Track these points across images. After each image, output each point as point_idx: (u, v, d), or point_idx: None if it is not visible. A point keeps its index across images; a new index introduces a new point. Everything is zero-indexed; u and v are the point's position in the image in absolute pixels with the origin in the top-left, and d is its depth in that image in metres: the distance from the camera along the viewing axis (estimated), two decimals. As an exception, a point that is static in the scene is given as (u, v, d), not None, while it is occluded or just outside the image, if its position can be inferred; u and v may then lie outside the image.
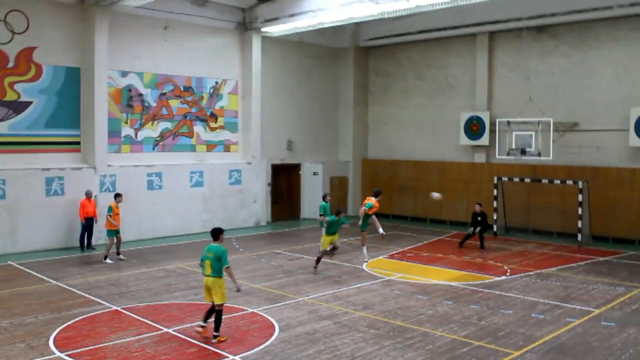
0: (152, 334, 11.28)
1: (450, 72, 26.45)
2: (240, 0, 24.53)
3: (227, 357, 10.06)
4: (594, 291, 14.74)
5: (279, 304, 13.29)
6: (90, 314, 12.54)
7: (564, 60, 23.09)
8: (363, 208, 17.93)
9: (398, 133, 28.39)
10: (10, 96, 19.20)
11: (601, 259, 18.89)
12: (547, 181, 22.18)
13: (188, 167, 23.17)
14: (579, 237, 21.14)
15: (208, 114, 24.19)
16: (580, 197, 21.00)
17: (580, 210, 21.04)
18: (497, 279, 16.00)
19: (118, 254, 18.15)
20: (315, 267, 16.46)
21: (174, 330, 11.45)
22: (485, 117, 24.53)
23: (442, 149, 26.67)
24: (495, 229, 23.17)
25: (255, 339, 10.99)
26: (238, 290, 11.28)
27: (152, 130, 22.48)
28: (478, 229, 20.15)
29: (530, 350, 10.52)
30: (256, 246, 20.57)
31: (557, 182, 21.86)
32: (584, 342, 10.98)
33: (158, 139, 22.68)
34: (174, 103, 23.11)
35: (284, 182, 27.18)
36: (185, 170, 23.04)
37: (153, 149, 22.54)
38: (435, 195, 19.86)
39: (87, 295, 13.94)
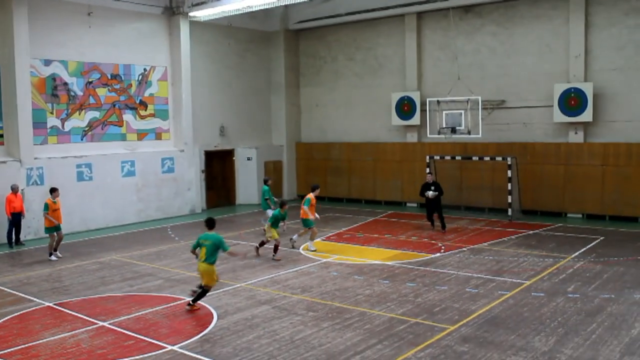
0: (87, 328, 11.04)
1: (380, 53, 26.65)
2: (166, -16, 24.08)
3: (166, 347, 9.95)
4: (524, 264, 15.22)
5: (217, 292, 13.19)
6: (22, 312, 12.17)
7: (490, 38, 23.59)
8: (304, 207, 17.47)
9: (331, 115, 28.48)
10: None
11: (531, 232, 19.51)
12: (477, 158, 22.70)
13: (119, 157, 22.66)
14: (510, 211, 21.77)
15: (137, 101, 23.67)
16: (509, 173, 21.58)
17: (509, 186, 21.63)
18: (432, 256, 16.33)
19: (55, 250, 17.13)
20: (275, 254, 16.29)
21: (109, 324, 11.23)
22: (416, 97, 24.86)
23: (374, 129, 26.91)
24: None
25: (193, 328, 10.91)
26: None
27: (79, 120, 21.85)
28: (434, 193, 19.53)
29: (465, 324, 10.79)
30: (192, 234, 20.28)
31: (487, 159, 22.40)
32: (516, 313, 11.34)
33: (86, 128, 22.07)
34: (102, 91, 22.51)
35: (218, 168, 26.94)
36: (116, 160, 22.52)
37: (82, 140, 21.93)
38: (430, 193, 19.74)
39: (17, 293, 13.51)
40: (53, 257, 16.95)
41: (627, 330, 10.34)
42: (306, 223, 17.43)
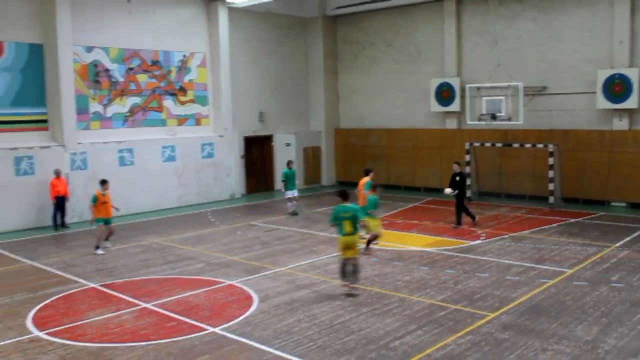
0: (130, 309, 11.26)
1: (418, 39, 26.41)
2: (206, -30, 24.21)
3: (207, 329, 10.09)
4: (566, 252, 15.01)
5: (257, 275, 13.33)
6: (68, 292, 12.47)
7: (530, 23, 23.17)
8: (364, 191, 16.29)
9: (369, 101, 28.37)
10: (-27, 75, 18.80)
11: (572, 220, 19.21)
12: (518, 145, 22.42)
13: (159, 142, 22.95)
14: (551, 199, 21.46)
15: (177, 87, 23.91)
16: (551, 160, 21.27)
17: (551, 173, 21.32)
18: (472, 243, 16.21)
19: (107, 239, 16.47)
20: (367, 248, 14.86)
21: (152, 305, 11.43)
22: (455, 83, 24.60)
23: (413, 116, 26.72)
24: (468, 194, 23.38)
25: (234, 311, 11.03)
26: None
27: (121, 106, 22.17)
28: (451, 191, 18.60)
29: (506, 311, 10.71)
30: (232, 219, 20.55)
31: (528, 146, 22.11)
32: (558, 301, 11.20)
33: (127, 114, 22.39)
34: (142, 78, 22.79)
35: (257, 154, 27.09)
36: (156, 145, 22.82)
37: (123, 125, 22.26)
38: (448, 191, 18.59)
39: (63, 274, 13.84)
40: (99, 251, 15.92)
41: (673, 320, 10.15)
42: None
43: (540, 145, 21.76)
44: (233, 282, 12.87)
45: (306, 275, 13.28)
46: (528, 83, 22.45)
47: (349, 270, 11.87)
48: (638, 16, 20.88)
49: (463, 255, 14.89)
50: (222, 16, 24.56)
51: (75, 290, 12.65)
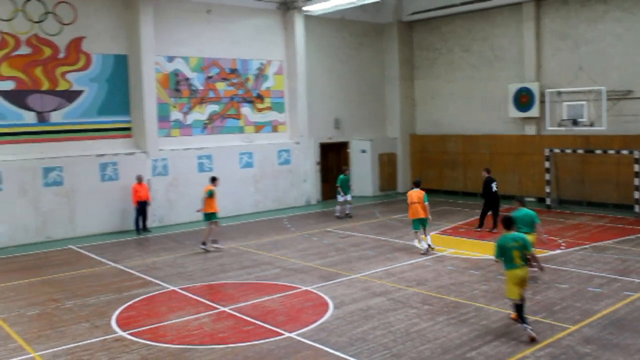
0: (209, 312, 11.54)
1: (496, 43, 25.96)
2: (283, -20, 24.59)
3: (283, 334, 10.23)
4: (652, 263, 14.44)
5: (333, 282, 13.42)
6: (149, 294, 12.89)
7: (615, 25, 22.38)
8: (426, 203, 16.12)
9: (446, 107, 28.07)
10: (62, 86, 19.69)
11: (659, 229, 18.45)
12: (601, 151, 21.71)
13: (237, 149, 23.42)
14: (637, 208, 20.65)
15: (254, 95, 24.35)
16: (636, 167, 20.48)
17: (636, 181, 20.52)
18: (552, 252, 15.78)
19: (215, 241, 17.25)
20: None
21: (230, 309, 11.68)
22: (535, 88, 24.04)
23: (491, 122, 26.26)
24: (548, 202, 22.83)
25: (310, 316, 11.14)
26: (541, 270, 10.84)
27: (200, 114, 22.77)
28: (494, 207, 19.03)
29: (587, 324, 10.39)
30: (307, 225, 20.73)
31: (612, 152, 21.37)
32: (644, 314, 10.79)
33: (206, 121, 22.97)
34: (221, 86, 23.34)
35: (333, 160, 27.23)
36: (234, 151, 23.30)
37: (202, 132, 22.85)
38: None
39: (145, 277, 14.31)
40: (207, 247, 16.80)
41: None
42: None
43: (624, 152, 21.00)
44: (309, 288, 12.99)
45: (381, 283, 13.27)
46: (612, 87, 21.71)
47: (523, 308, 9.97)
48: None
49: (543, 265, 14.48)
50: (299, 24, 24.88)
51: (157, 292, 13.07)
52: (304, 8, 24.63)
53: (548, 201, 22.83)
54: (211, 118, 23.08)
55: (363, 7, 26.05)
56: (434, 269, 14.35)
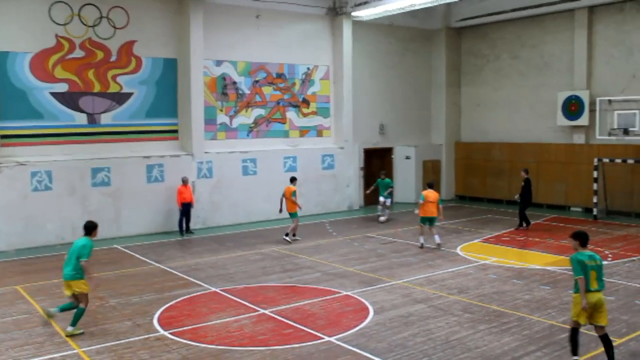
0: (249, 314, 11.62)
1: (546, 51, 25.55)
2: (331, -15, 24.68)
3: (323, 338, 10.24)
4: None
5: (373, 287, 13.38)
6: (191, 295, 13.05)
7: (671, 33, 21.84)
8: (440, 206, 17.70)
9: (492, 115, 27.74)
10: (113, 88, 20.12)
11: None
12: (652, 162, 21.17)
13: (281, 153, 23.56)
14: (688, 220, 20.08)
15: (300, 99, 24.47)
16: (688, 179, 19.92)
17: (688, 192, 19.97)
18: (598, 263, 15.42)
19: (294, 235, 19.10)
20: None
21: (270, 312, 11.74)
22: (585, 96, 23.57)
23: (538, 130, 25.84)
24: (595, 213, 22.34)
25: (350, 321, 11.13)
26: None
27: (246, 117, 22.99)
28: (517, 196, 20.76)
29: (634, 338, 10.14)
30: (349, 230, 20.72)
31: (664, 162, 20.83)
32: (693, 330, 10.48)
33: (252, 125, 23.17)
34: (267, 90, 23.52)
35: (377, 166, 27.13)
36: (278, 155, 23.44)
37: (247, 136, 23.06)
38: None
39: (187, 277, 14.49)
40: (288, 238, 18.70)
41: None
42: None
43: (677, 163, 20.44)
44: (349, 293, 12.98)
45: (422, 290, 13.17)
46: (666, 96, 21.15)
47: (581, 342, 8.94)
48: None
49: (588, 276, 14.19)
50: (347, 30, 24.91)
51: (198, 293, 13.22)
52: (352, 14, 24.66)
53: (595, 211, 22.35)
54: (257, 122, 23.28)
55: (412, 13, 25.95)
56: (475, 277, 14.19)
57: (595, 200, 22.36)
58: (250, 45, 22.93)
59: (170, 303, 12.45)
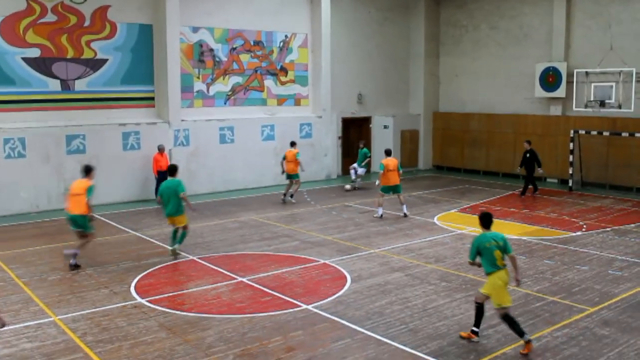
0: (227, 282, 11.62)
1: (525, 22, 25.54)
2: (310, -49, 24.33)
3: (301, 306, 10.28)
4: (675, 247, 14.25)
5: (351, 256, 13.43)
6: (168, 263, 13.00)
7: (648, 6, 21.92)
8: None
9: (470, 85, 27.76)
10: (87, 54, 19.73)
11: (684, 214, 18.20)
12: (627, 134, 21.37)
13: (259, 121, 23.40)
14: (660, 192, 20.38)
15: (278, 68, 24.25)
16: (662, 151, 20.17)
17: (662, 164, 20.23)
18: (573, 234, 15.65)
19: (291, 195, 20.22)
20: None
21: (248, 280, 11.75)
22: (562, 68, 23.66)
23: (516, 101, 25.95)
24: (570, 184, 22.58)
25: (327, 289, 11.17)
26: (518, 284, 9.15)
27: (223, 85, 22.74)
28: (539, 169, 21.04)
29: (607, 306, 10.32)
30: (327, 199, 20.73)
31: (639, 135, 21.02)
32: (664, 298, 10.69)
33: (229, 93, 22.94)
34: (245, 57, 23.25)
35: (355, 135, 27.12)
36: (256, 124, 23.28)
37: (225, 104, 22.84)
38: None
39: (164, 245, 14.40)
40: (292, 199, 20.10)
41: None
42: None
43: (652, 135, 20.66)
44: (327, 261, 13.02)
45: (400, 258, 13.25)
46: (642, 69, 21.29)
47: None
48: None
49: (562, 246, 14.41)
50: (325, -3, 24.68)
51: (176, 261, 13.17)
52: (330, -19, 24.40)
53: (570, 183, 22.58)
54: (234, 90, 23.04)
55: (390, -18, 25.75)
56: (452, 247, 14.31)
57: (570, 171, 22.58)
58: (227, 12, 22.59)
59: (148, 271, 12.40)
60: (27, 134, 18.39)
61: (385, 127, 27.35)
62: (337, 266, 12.67)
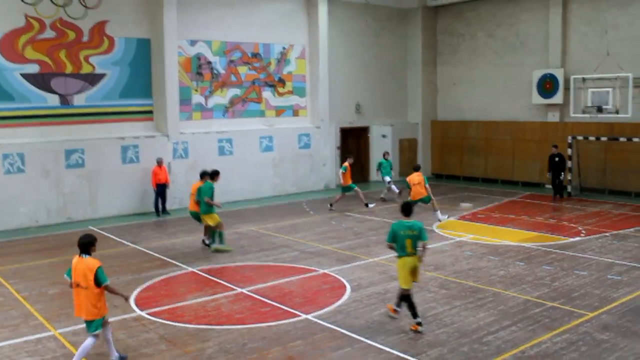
0: (226, 293, 11.62)
1: (522, 29, 25.66)
2: (306, -37, 24.48)
3: (300, 316, 10.28)
4: (674, 251, 14.26)
5: (350, 265, 13.44)
6: (168, 275, 13.01)
7: (644, 11, 22.01)
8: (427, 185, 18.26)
9: (468, 93, 27.85)
10: (85, 69, 19.82)
11: (683, 218, 18.22)
12: (625, 139, 21.41)
13: (258, 133, 23.45)
14: (659, 196, 20.41)
15: (276, 79, 24.34)
16: (660, 155, 20.21)
17: (660, 169, 20.26)
18: (571, 240, 15.67)
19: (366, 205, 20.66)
20: None
21: (247, 291, 11.75)
22: (559, 75, 23.75)
23: (513, 108, 26.02)
24: (569, 190, 22.61)
25: (327, 299, 11.18)
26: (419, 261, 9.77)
27: (221, 97, 22.82)
28: (562, 175, 21.71)
29: (606, 311, 10.32)
30: (326, 209, 20.72)
31: (636, 140, 21.06)
32: (664, 302, 10.69)
33: (228, 105, 23.02)
34: (243, 70, 23.35)
35: (353, 145, 27.17)
36: (255, 135, 23.34)
37: (223, 116, 22.91)
38: (466, 205, 20.52)
39: (164, 258, 14.43)
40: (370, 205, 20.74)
41: None
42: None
43: (649, 140, 20.71)
44: (326, 271, 13.03)
45: (399, 267, 13.24)
46: (639, 74, 21.33)
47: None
48: None
49: (561, 251, 14.42)
50: (322, 8, 24.76)
51: (175, 273, 13.18)
52: (327, -8, 24.54)
53: (569, 188, 22.61)
54: (232, 102, 23.13)
55: (387, -8, 25.88)
56: (452, 254, 14.32)
57: (569, 177, 22.61)
58: (225, 25, 22.70)
59: (148, 283, 12.40)
60: (26, 149, 18.44)
61: (384, 136, 27.40)
62: (336, 275, 12.68)
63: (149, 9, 20.90)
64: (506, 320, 9.91)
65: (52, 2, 18.93)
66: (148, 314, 10.57)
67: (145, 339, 9.45)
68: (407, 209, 9.95)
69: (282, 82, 24.51)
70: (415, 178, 17.96)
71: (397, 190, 22.24)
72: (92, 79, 19.99)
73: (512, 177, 25.90)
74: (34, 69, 18.92)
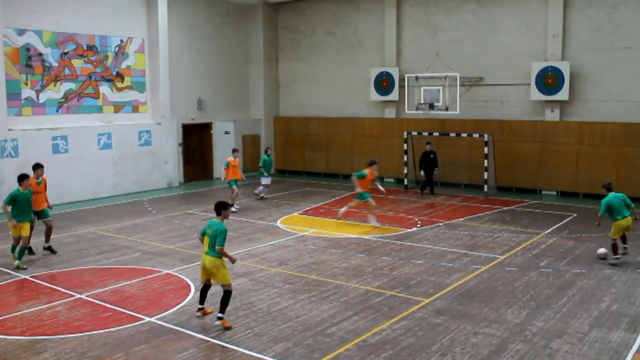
0: (64, 300, 11.04)
1: (359, 29, 26.57)
2: (143, -46, 23.72)
3: (143, 319, 10.00)
4: (498, 239, 15.45)
5: (195, 264, 13.22)
6: (-3, 284, 12.14)
7: (469, 16, 23.59)
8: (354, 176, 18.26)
9: (309, 90, 28.41)
10: None
11: (505, 208, 19.76)
12: (454, 135, 22.87)
13: (95, 129, 22.44)
14: (485, 188, 21.99)
15: (114, 73, 23.40)
16: (486, 150, 21.76)
17: (486, 163, 21.82)
18: (408, 230, 16.50)
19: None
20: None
21: (86, 296, 11.24)
22: (395, 73, 24.88)
23: (353, 105, 26.92)
24: (406, 183, 23.76)
25: (171, 300, 10.96)
26: (233, 262, 10.11)
27: (55, 92, 21.57)
28: (435, 169, 22.45)
29: (440, 297, 10.98)
30: (169, 207, 20.31)
31: (465, 135, 22.57)
32: (490, 286, 11.55)
33: (62, 100, 21.81)
34: (77, 63, 22.22)
35: (196, 141, 26.83)
36: (92, 132, 22.30)
37: (57, 111, 21.67)
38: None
39: (-8, 265, 13.45)
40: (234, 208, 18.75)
41: (597, 303, 10.60)
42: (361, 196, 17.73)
43: (476, 135, 22.25)
44: (170, 271, 12.78)
45: (244, 264, 13.27)
46: (466, 74, 22.91)
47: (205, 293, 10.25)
48: (570, 11, 21.53)
49: (399, 242, 15.14)
50: (162, 1, 24.11)
51: (5, 282, 12.31)
52: (165, -16, 23.96)
53: (406, 182, 23.77)
54: (67, 97, 21.94)
55: (227, -13, 25.74)
56: (295, 249, 14.56)
57: (405, 171, 23.76)
58: (56, 13, 21.42)
59: (-27, 294, 11.50)
60: None
61: (227, 132, 27.28)
62: (180, 275, 12.46)
63: (-31, -5, 19.33)
64: (348, 311, 10.25)
65: None
66: (-26, 326, 9.80)
67: (-28, 353, 8.77)
68: (217, 208, 10.00)
69: (120, 76, 23.61)
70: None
71: (262, 195, 21.70)
72: None
73: (353, 171, 26.57)
74: None
